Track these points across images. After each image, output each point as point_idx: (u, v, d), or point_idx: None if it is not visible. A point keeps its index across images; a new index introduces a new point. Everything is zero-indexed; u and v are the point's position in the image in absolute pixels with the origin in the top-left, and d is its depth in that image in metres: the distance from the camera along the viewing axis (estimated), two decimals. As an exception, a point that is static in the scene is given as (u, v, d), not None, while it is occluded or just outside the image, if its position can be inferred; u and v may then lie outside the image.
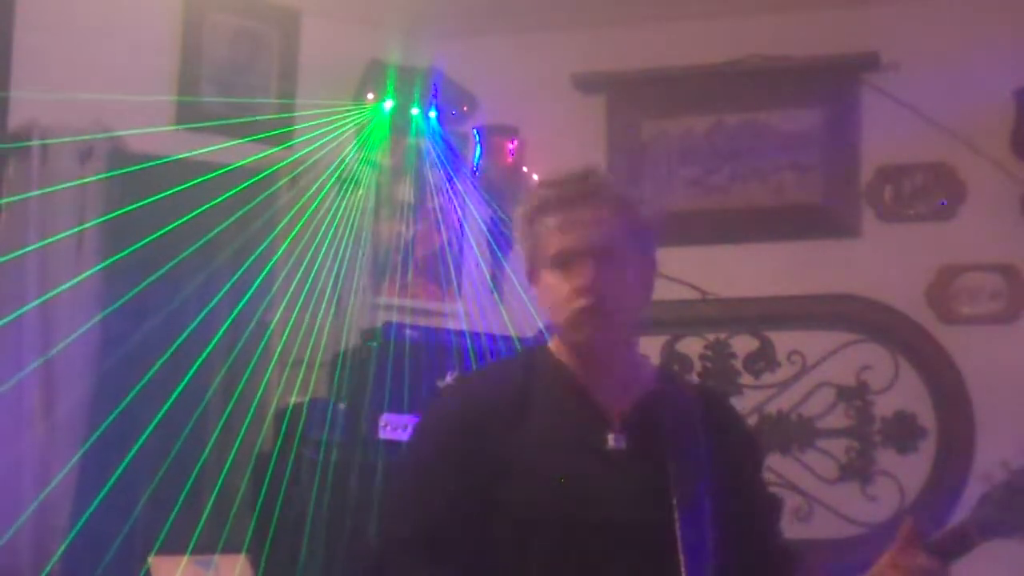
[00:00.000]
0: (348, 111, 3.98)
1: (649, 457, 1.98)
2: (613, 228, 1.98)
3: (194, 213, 3.71)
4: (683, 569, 1.90)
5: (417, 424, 2.16)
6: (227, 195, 3.85)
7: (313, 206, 3.91)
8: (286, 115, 4.03)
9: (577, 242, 1.98)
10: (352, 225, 3.81)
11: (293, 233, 3.90)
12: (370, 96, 3.96)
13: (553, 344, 2.09)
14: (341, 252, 3.76)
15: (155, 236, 3.67)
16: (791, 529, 2.20)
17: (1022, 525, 1.83)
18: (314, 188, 3.93)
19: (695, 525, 1.94)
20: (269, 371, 3.75)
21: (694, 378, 3.97)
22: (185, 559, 3.39)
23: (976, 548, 1.85)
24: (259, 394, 3.67)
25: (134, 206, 3.53)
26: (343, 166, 3.99)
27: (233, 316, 3.83)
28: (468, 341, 3.59)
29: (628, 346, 2.07)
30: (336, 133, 3.96)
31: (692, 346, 4.10)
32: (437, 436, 2.02)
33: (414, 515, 1.97)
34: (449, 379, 3.54)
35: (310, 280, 3.71)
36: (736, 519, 1.99)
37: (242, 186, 3.88)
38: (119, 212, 3.64)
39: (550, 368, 2.05)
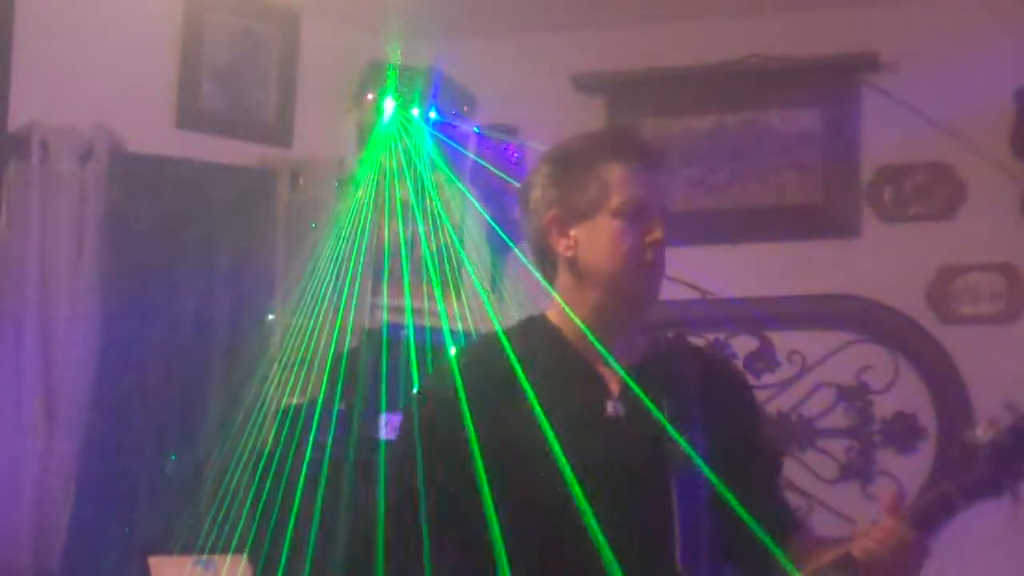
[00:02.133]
0: (348, 111, 3.98)
1: (647, 423, 1.97)
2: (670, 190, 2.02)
3: (194, 213, 3.73)
4: (677, 535, 1.90)
5: (413, 395, 2.15)
6: (227, 195, 3.86)
7: (313, 206, 3.92)
8: (286, 115, 4.04)
9: (653, 196, 1.99)
10: (352, 225, 3.81)
11: (293, 233, 3.90)
12: (370, 96, 3.96)
13: (551, 313, 2.07)
14: (341, 252, 3.76)
15: (155, 236, 3.69)
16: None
17: (1009, 484, 1.83)
18: (314, 188, 3.94)
19: (691, 493, 1.94)
20: (269, 371, 3.75)
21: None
22: (185, 559, 3.39)
23: (959, 513, 1.85)
24: (259, 394, 3.66)
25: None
26: (343, 166, 4.00)
27: (233, 316, 3.84)
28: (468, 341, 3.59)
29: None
30: (336, 133, 3.96)
31: (692, 346, 4.10)
32: (432, 408, 2.02)
33: (409, 485, 1.96)
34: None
35: (310, 280, 3.71)
36: (735, 477, 1.97)
37: (242, 186, 3.89)
38: (120, 212, 3.65)
39: (548, 337, 2.04)
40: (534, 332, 2.06)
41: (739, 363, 4.05)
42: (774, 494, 2.13)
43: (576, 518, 1.90)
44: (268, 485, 3.49)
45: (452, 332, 3.71)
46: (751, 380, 4.03)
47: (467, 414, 1.94)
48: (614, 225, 1.98)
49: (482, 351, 2.09)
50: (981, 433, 1.85)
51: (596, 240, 2.00)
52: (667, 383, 2.01)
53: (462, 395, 1.96)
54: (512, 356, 2.00)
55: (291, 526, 3.40)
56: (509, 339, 2.06)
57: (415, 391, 2.19)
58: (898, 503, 1.89)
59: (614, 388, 2.01)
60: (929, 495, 1.88)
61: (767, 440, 2.20)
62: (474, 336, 3.57)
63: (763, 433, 2.19)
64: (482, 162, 4.11)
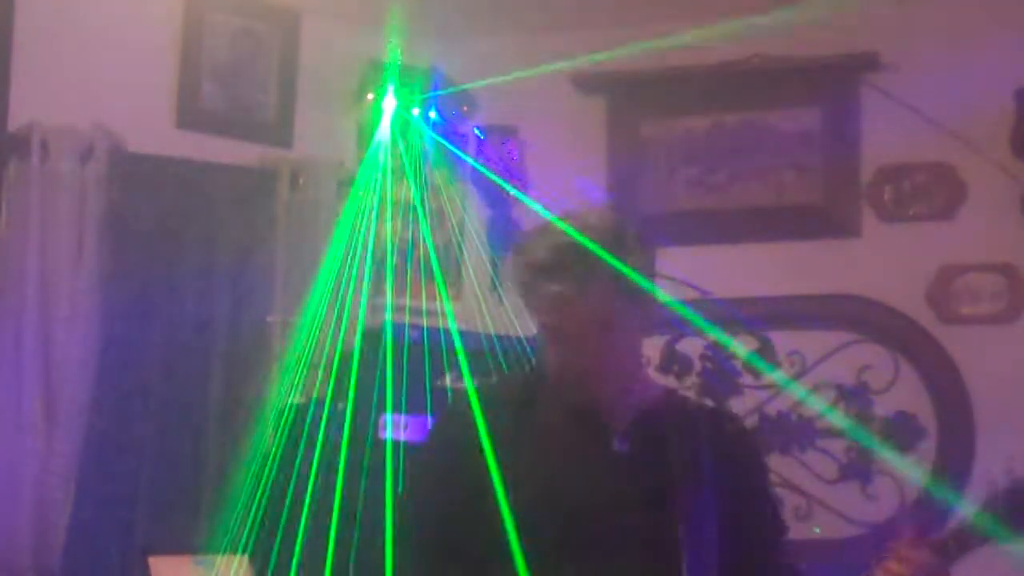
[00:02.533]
0: (348, 111, 3.98)
1: (652, 464, 2.01)
2: (588, 305, 1.99)
3: (194, 213, 3.72)
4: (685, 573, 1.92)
5: (428, 433, 2.23)
6: (227, 195, 3.86)
7: (313, 206, 3.92)
8: (286, 115, 4.04)
9: (553, 320, 2.01)
10: (352, 225, 3.81)
11: (293, 233, 3.90)
12: (370, 96, 3.96)
13: None
14: (341, 252, 3.76)
15: (155, 236, 3.68)
16: (791, 529, 2.21)
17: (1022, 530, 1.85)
18: (314, 188, 3.94)
19: (697, 531, 1.96)
20: (269, 371, 3.74)
21: (700, 396, 3.98)
22: (185, 559, 3.39)
23: (975, 550, 1.87)
24: (259, 394, 3.66)
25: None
26: (343, 166, 3.99)
27: (233, 316, 3.84)
28: (468, 341, 3.59)
29: (630, 376, 2.11)
30: (336, 133, 3.96)
31: (692, 346, 4.10)
32: (445, 445, 2.08)
33: (421, 520, 1.99)
34: (449, 379, 3.54)
35: (311, 280, 3.71)
36: (735, 536, 2.00)
37: (242, 186, 3.89)
38: (120, 212, 3.64)
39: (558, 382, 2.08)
40: (545, 377, 2.11)
41: (739, 363, 4.06)
42: (777, 553, 2.15)
43: (578, 553, 1.94)
44: (268, 485, 3.49)
45: (452, 332, 3.71)
46: (751, 380, 4.04)
47: (479, 450, 1.98)
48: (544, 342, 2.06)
49: (496, 389, 2.19)
50: (999, 480, 1.87)
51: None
52: (671, 432, 2.05)
53: (474, 431, 2.01)
54: (522, 398, 2.08)
55: (291, 526, 3.40)
56: (521, 381, 2.17)
57: (431, 429, 2.25)
58: (918, 533, 1.92)
59: (619, 429, 2.05)
60: (950, 530, 1.90)
61: (771, 503, 2.23)
62: (482, 339, 3.60)
63: (767, 496, 2.23)
64: (482, 162, 4.12)
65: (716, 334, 4.06)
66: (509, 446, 1.99)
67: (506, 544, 1.93)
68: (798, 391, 4.01)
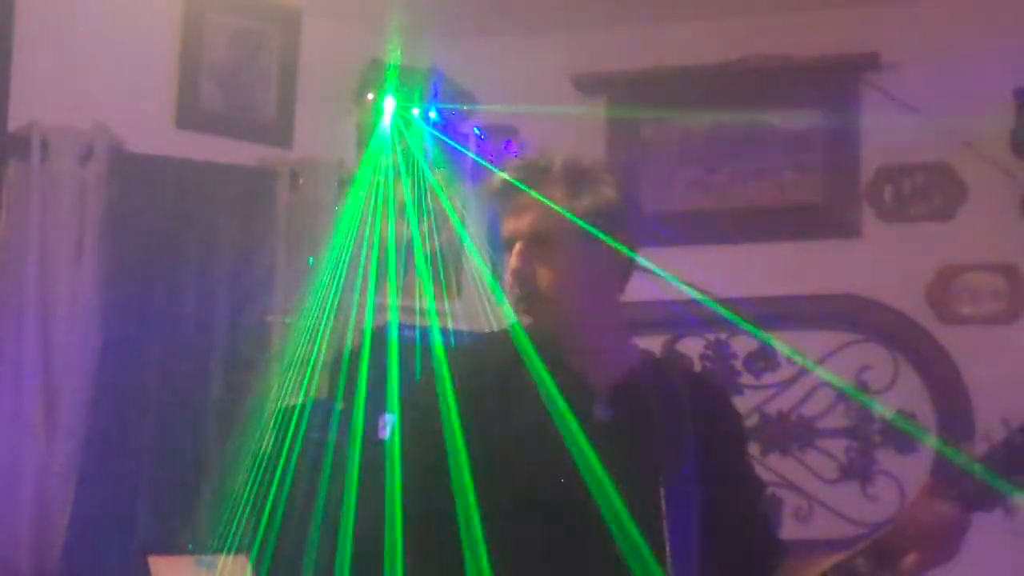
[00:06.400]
0: (348, 111, 3.98)
1: (635, 430, 1.99)
2: (546, 215, 2.01)
3: (194, 213, 3.72)
4: (668, 543, 1.92)
5: (403, 402, 2.16)
6: (227, 195, 3.86)
7: (313, 206, 3.92)
8: (286, 115, 4.04)
9: (511, 228, 2.04)
10: (352, 225, 3.81)
11: (293, 233, 3.90)
12: (370, 96, 3.96)
13: None
14: (341, 252, 3.76)
15: (155, 236, 3.68)
16: (791, 529, 2.21)
17: (1003, 497, 1.83)
18: (314, 188, 3.94)
19: (681, 499, 1.95)
20: (269, 371, 3.75)
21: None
22: (185, 559, 3.39)
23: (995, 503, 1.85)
24: (259, 394, 3.66)
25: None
26: (343, 166, 3.99)
27: (233, 316, 3.84)
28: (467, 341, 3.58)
29: (603, 328, 2.07)
30: (336, 133, 3.95)
31: (692, 346, 4.10)
32: (422, 415, 2.02)
33: (402, 494, 1.97)
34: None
35: (310, 280, 3.71)
36: (719, 499, 1.99)
37: (242, 186, 3.89)
38: (120, 212, 3.65)
39: (536, 342, 2.04)
40: (521, 338, 2.07)
41: (738, 363, 4.06)
42: (756, 512, 2.15)
43: (562, 522, 1.92)
44: (268, 485, 3.49)
45: (452, 332, 3.71)
46: (751, 380, 4.04)
47: (453, 421, 1.95)
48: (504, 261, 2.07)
49: (469, 356, 2.11)
50: (976, 446, 1.86)
51: None
52: (654, 397, 2.03)
53: (448, 402, 1.97)
54: (499, 361, 2.03)
55: (291, 526, 3.40)
56: (496, 344, 2.09)
57: (404, 397, 2.20)
58: (934, 489, 1.90)
59: (601, 394, 2.02)
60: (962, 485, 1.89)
61: (749, 464, 2.22)
62: (464, 339, 3.59)
63: (746, 458, 2.22)
64: (482, 162, 4.11)
65: (716, 334, 4.07)
66: (483, 418, 1.95)
67: (485, 518, 1.90)
68: (798, 391, 4.02)
